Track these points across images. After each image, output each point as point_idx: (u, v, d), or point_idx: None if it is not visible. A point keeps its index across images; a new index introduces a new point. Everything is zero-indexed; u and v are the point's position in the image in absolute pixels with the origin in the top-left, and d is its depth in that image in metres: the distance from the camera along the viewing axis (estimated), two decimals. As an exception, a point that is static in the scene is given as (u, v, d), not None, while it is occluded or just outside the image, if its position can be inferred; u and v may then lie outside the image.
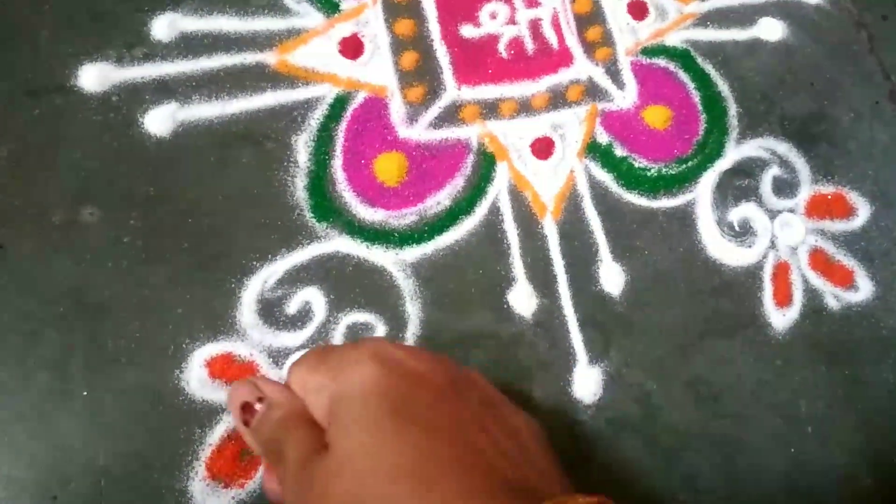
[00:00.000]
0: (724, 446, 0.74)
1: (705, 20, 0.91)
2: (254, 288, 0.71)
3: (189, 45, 0.76)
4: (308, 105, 0.77)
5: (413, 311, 0.73)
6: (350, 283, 0.73)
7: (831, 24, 0.94)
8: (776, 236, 0.83)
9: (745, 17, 0.92)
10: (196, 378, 0.67)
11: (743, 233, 0.83)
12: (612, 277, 0.77)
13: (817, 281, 0.83)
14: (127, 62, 0.74)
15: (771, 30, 0.91)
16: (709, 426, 0.75)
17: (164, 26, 0.76)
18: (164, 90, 0.74)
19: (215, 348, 0.69)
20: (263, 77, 0.77)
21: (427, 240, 0.76)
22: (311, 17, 0.80)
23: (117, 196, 0.71)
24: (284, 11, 0.79)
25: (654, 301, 0.78)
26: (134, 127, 0.73)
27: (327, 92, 0.78)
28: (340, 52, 0.79)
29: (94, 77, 0.73)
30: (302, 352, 0.69)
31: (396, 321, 0.73)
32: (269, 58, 0.78)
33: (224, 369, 0.68)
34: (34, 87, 0.72)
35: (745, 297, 0.80)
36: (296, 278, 0.72)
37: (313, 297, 0.72)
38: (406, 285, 0.74)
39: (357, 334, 0.71)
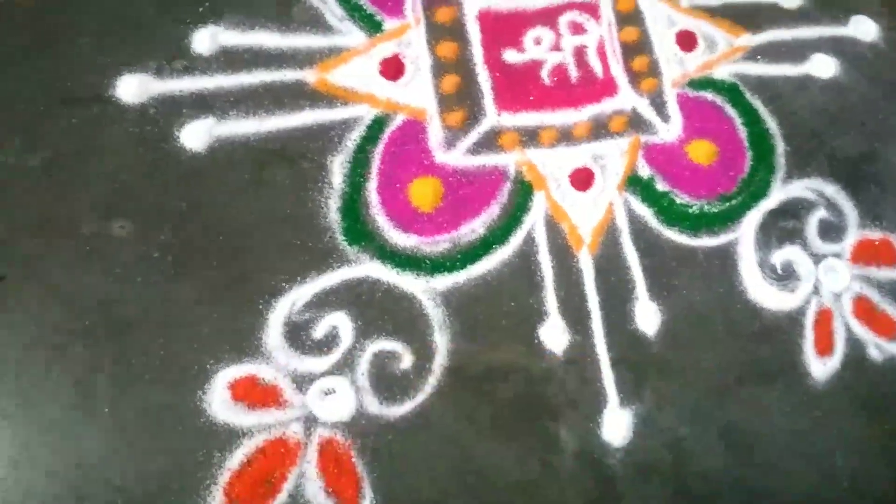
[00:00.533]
0: (756, 498, 0.71)
1: (756, 54, 0.89)
2: (281, 310, 0.70)
3: (229, 59, 0.76)
4: (346, 125, 0.77)
5: (441, 341, 0.72)
6: (379, 310, 0.72)
7: (885, 63, 0.92)
8: (820, 281, 0.81)
9: (797, 52, 0.90)
10: (219, 400, 0.66)
11: (786, 276, 0.80)
12: (647, 316, 0.75)
13: (860, 330, 0.80)
14: (166, 74, 0.74)
15: (823, 66, 0.89)
16: (741, 476, 0.72)
17: (205, 39, 0.76)
18: (202, 104, 0.74)
19: (240, 370, 0.68)
20: (302, 95, 0.77)
21: (459, 268, 0.75)
22: (354, 36, 0.79)
23: (149, 210, 0.71)
24: (327, 29, 0.79)
25: (691, 343, 0.76)
26: (170, 140, 0.73)
27: (366, 113, 0.77)
28: (381, 72, 0.79)
29: (132, 88, 0.73)
30: (327, 378, 0.68)
31: (424, 351, 0.71)
32: (309, 76, 0.77)
33: (248, 392, 0.67)
34: (72, 95, 0.72)
35: (785, 343, 0.78)
36: (324, 302, 0.71)
37: (341, 322, 0.71)
38: (436, 314, 0.72)
39: (383, 362, 0.70)
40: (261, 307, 0.70)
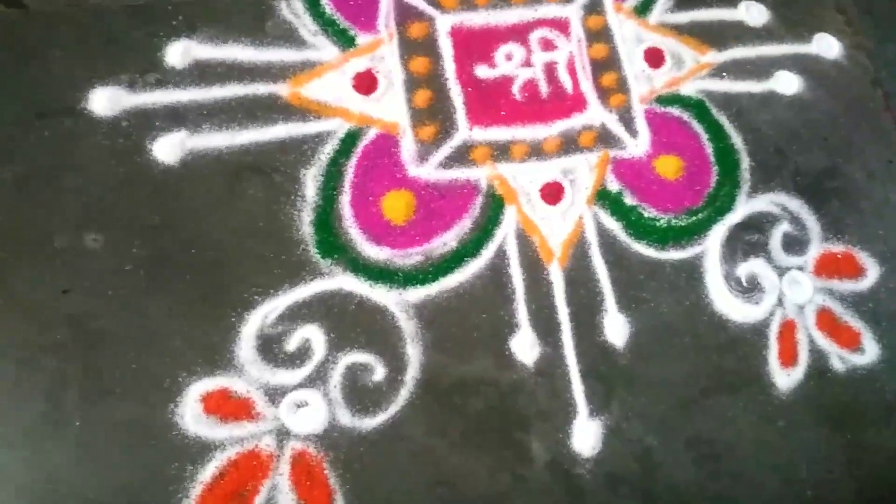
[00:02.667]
0: (722, 508, 0.75)
1: (721, 71, 0.94)
2: (254, 323, 0.73)
3: (202, 73, 0.79)
4: (319, 139, 0.80)
5: (414, 353, 0.75)
6: (352, 322, 0.75)
7: (848, 81, 0.97)
8: (784, 294, 0.85)
9: (761, 69, 0.95)
10: (190, 413, 0.68)
11: (750, 289, 0.85)
12: (616, 328, 0.79)
13: (823, 341, 0.85)
14: (139, 87, 0.77)
15: (787, 83, 0.94)
16: (708, 486, 0.76)
17: (178, 53, 0.79)
18: (175, 117, 0.77)
19: (212, 383, 0.71)
20: (275, 109, 0.80)
21: (431, 281, 0.78)
22: (327, 51, 0.82)
23: (122, 223, 0.73)
24: (300, 43, 0.82)
25: (659, 355, 0.80)
26: (142, 153, 0.75)
27: (339, 127, 0.81)
28: (354, 87, 0.82)
29: (105, 101, 0.76)
30: (300, 390, 0.71)
31: (396, 363, 0.74)
32: (282, 89, 0.80)
33: (220, 405, 0.70)
34: (44, 108, 0.75)
35: (750, 354, 0.83)
36: (297, 315, 0.74)
37: (314, 334, 0.74)
38: (408, 327, 0.75)
39: (356, 375, 0.73)
40: (233, 320, 0.73)
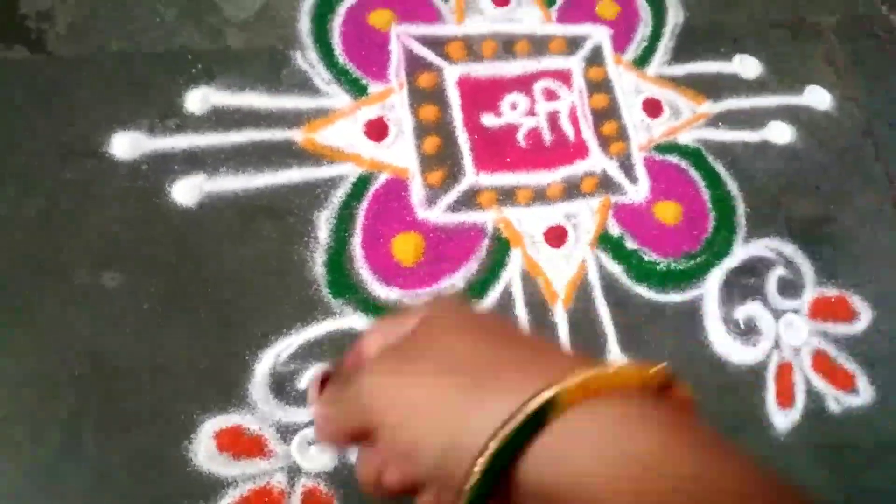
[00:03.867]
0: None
1: (717, 121, 0.99)
2: (267, 361, 0.76)
3: (220, 118, 0.83)
4: (331, 183, 0.84)
5: (423, 392, 0.77)
6: (362, 361, 0.77)
7: (839, 131, 1.03)
8: (780, 336, 0.89)
9: (755, 119, 1.01)
10: (204, 449, 0.71)
11: (748, 331, 0.89)
12: (619, 369, 0.82)
13: (819, 383, 0.88)
14: (159, 132, 0.81)
15: (780, 133, 1.00)
16: (710, 526, 0.78)
17: (197, 99, 0.83)
18: (193, 161, 0.81)
19: (225, 420, 0.74)
20: (290, 154, 0.84)
21: (440, 322, 0.81)
22: (339, 99, 0.87)
23: (140, 262, 0.77)
24: (314, 91, 0.87)
25: (660, 395, 0.83)
26: (161, 195, 0.79)
27: (351, 171, 0.85)
28: (366, 133, 0.87)
29: (126, 145, 0.80)
30: (310, 428, 0.73)
31: (406, 402, 0.76)
32: (297, 135, 0.85)
33: (233, 443, 0.73)
34: (68, 149, 0.79)
35: (748, 396, 0.86)
36: (309, 353, 0.77)
37: (325, 373, 0.76)
38: (417, 366, 0.78)
39: (367, 413, 0.75)
40: (247, 358, 0.76)
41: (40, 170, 0.81)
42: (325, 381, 0.60)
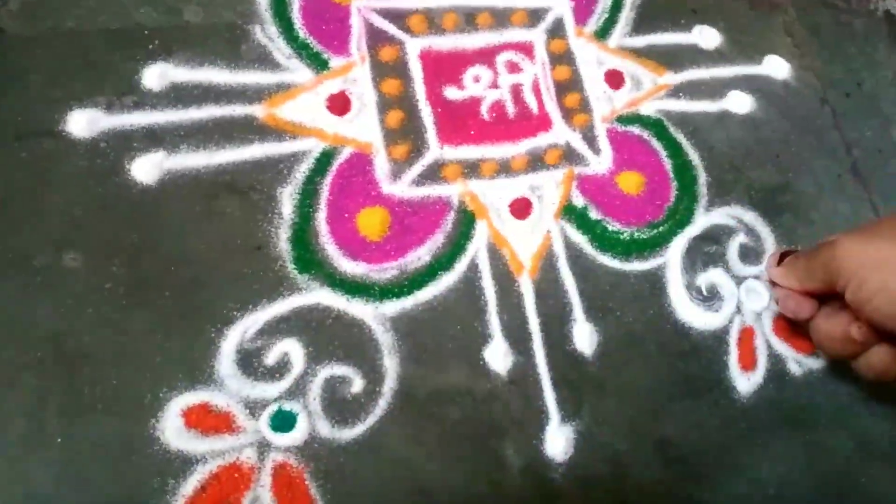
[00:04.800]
0: (689, 507, 0.81)
1: (678, 91, 1.01)
2: (233, 338, 0.76)
3: (179, 95, 0.83)
4: (294, 158, 0.84)
5: (391, 365, 0.79)
6: (329, 336, 0.79)
7: (797, 100, 1.05)
8: (742, 302, 0.91)
9: (715, 90, 1.02)
10: (172, 427, 0.72)
11: (710, 297, 0.91)
12: (585, 337, 0.84)
13: (781, 346, 0.91)
14: (117, 109, 0.81)
15: (740, 103, 1.02)
16: (675, 487, 0.82)
17: (155, 76, 0.83)
18: (153, 138, 0.81)
19: (193, 398, 0.74)
20: (251, 129, 0.84)
21: (407, 294, 0.83)
22: (301, 73, 0.87)
23: (101, 243, 0.76)
24: (274, 66, 0.87)
25: (626, 362, 0.85)
26: (121, 174, 0.79)
27: (314, 146, 0.85)
28: (328, 108, 0.87)
29: (83, 123, 0.79)
30: (278, 402, 0.74)
31: (374, 375, 0.78)
32: (258, 111, 0.84)
33: (201, 419, 0.73)
34: (23, 130, 0.78)
35: (711, 360, 0.88)
36: (276, 329, 0.78)
37: (292, 348, 0.78)
38: (385, 339, 0.80)
39: (335, 387, 0.77)
40: (213, 335, 0.77)
41: (-6, 152, 0.80)
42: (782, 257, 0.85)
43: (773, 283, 0.88)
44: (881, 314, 0.67)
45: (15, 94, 0.83)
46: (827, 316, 0.78)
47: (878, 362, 0.73)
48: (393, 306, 0.87)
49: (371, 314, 0.85)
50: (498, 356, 0.87)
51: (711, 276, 0.97)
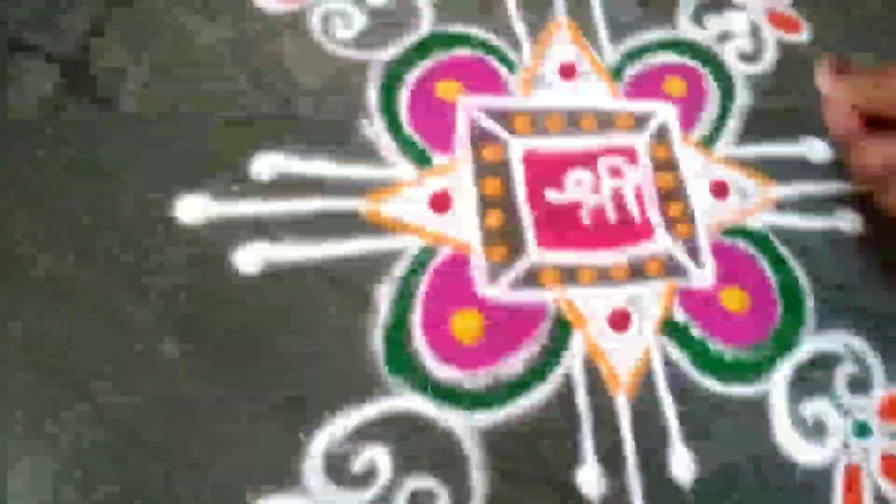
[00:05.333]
0: None
1: (785, 205, 0.98)
2: (322, 441, 0.75)
3: (287, 185, 0.84)
4: (393, 255, 0.84)
5: (479, 482, 0.77)
6: (417, 445, 0.77)
7: (907, 221, 1.01)
8: (849, 437, 0.86)
9: (824, 206, 0.99)
10: (255, 532, 0.69)
11: (816, 430, 0.86)
12: (683, 466, 0.80)
13: (888, 488, 0.85)
14: (225, 197, 0.82)
15: (849, 221, 0.98)
16: None
17: (265, 165, 0.84)
18: (258, 229, 0.81)
19: (278, 501, 0.71)
20: (353, 224, 0.84)
21: (499, 406, 0.80)
22: (404, 169, 0.88)
23: (199, 331, 0.76)
24: (379, 161, 0.87)
25: (724, 495, 0.81)
26: (224, 262, 0.79)
27: (413, 244, 0.85)
28: (429, 205, 0.86)
29: (191, 209, 0.81)
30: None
31: (461, 492, 0.76)
32: (361, 205, 0.85)
33: (285, 526, 0.71)
34: (131, 214, 0.80)
35: (815, 499, 0.82)
36: (364, 434, 0.76)
37: (379, 455, 0.76)
38: (474, 454, 0.77)
39: (420, 501, 0.73)
40: (302, 437, 0.75)
41: (102, 232, 0.81)
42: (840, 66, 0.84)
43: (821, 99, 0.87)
44: None
45: (126, 176, 0.85)
46: (878, 141, 0.75)
47: None
48: (484, 418, 0.84)
49: (461, 425, 0.83)
50: (591, 480, 0.83)
51: (817, 407, 0.92)
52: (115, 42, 0.92)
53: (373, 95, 0.97)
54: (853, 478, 0.91)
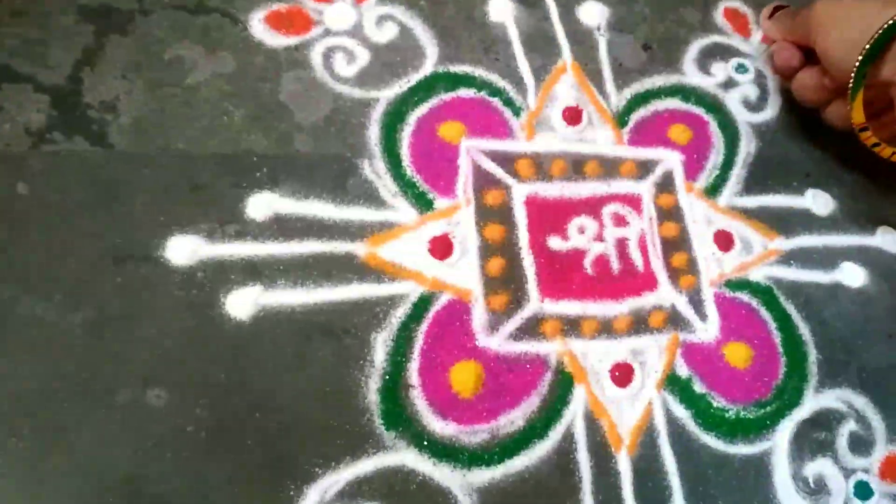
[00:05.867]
0: None
1: (789, 258, 0.97)
2: (313, 498, 0.72)
3: (282, 227, 0.81)
4: (392, 302, 0.81)
5: (476, 542, 0.73)
6: (413, 502, 0.73)
7: (910, 276, 1.00)
8: (850, 497, 0.84)
9: (827, 259, 0.98)
10: None
11: (818, 490, 0.85)
12: (684, 527, 0.78)
13: (890, 552, 0.84)
14: (218, 238, 0.79)
15: (853, 275, 0.98)
16: None
17: (260, 205, 0.81)
18: (251, 272, 0.78)
19: (265, 563, 0.68)
20: (351, 268, 0.81)
21: (497, 463, 0.78)
22: (405, 213, 0.85)
23: (188, 380, 0.73)
24: (379, 203, 0.85)
25: (727, 559, 0.79)
26: (215, 307, 0.76)
27: (412, 290, 0.82)
28: (430, 251, 0.84)
29: (182, 250, 0.78)
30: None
31: (457, 552, 0.73)
32: (359, 249, 0.82)
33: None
34: (121, 253, 0.77)
35: (818, 563, 0.81)
36: (357, 492, 0.73)
37: (373, 513, 0.73)
38: (471, 512, 0.74)
39: (415, 564, 0.71)
40: (292, 493, 0.72)
41: (91, 274, 0.78)
42: (774, 10, 1.03)
43: (768, 42, 1.06)
44: (835, 61, 0.84)
45: (116, 214, 0.82)
46: (808, 70, 0.94)
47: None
48: (481, 476, 0.82)
49: (458, 483, 0.80)
50: (591, 542, 0.80)
51: (819, 467, 0.91)
52: (108, 73, 0.89)
53: (374, 135, 0.95)
54: (855, 541, 0.89)
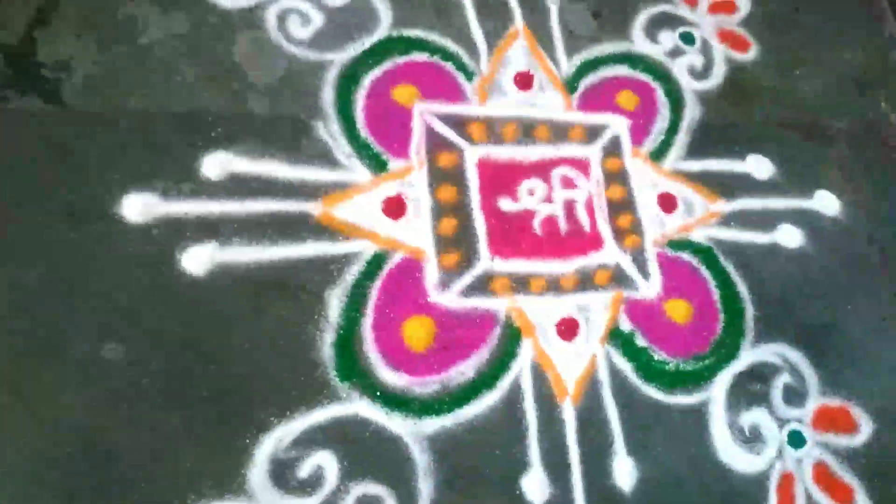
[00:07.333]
0: None
1: (729, 220, 1.01)
2: (268, 446, 0.75)
3: (237, 186, 0.83)
4: (346, 260, 0.84)
5: (425, 488, 0.78)
6: (365, 451, 0.78)
7: (846, 237, 1.07)
8: (783, 446, 0.90)
9: (766, 221, 1.03)
10: (197, 540, 0.69)
11: (753, 438, 0.90)
12: (625, 473, 0.83)
13: (819, 495, 0.90)
14: (173, 196, 0.81)
15: (790, 236, 1.03)
16: None
17: (215, 165, 0.83)
18: (207, 229, 0.80)
19: (221, 508, 0.71)
20: (306, 227, 0.84)
21: (447, 412, 0.82)
22: (359, 173, 0.88)
23: (143, 335, 0.76)
24: (333, 164, 0.87)
25: (664, 501, 0.83)
26: (171, 263, 0.79)
27: (366, 249, 0.85)
28: (383, 210, 0.87)
29: (137, 207, 0.79)
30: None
31: (407, 498, 0.77)
32: (314, 208, 0.85)
33: (227, 533, 0.71)
34: (75, 209, 0.78)
35: (751, 505, 0.87)
36: (312, 440, 0.76)
37: (327, 461, 0.77)
38: (421, 460, 0.78)
39: (369, 508, 0.75)
40: (248, 442, 0.75)
41: (45, 231, 0.80)
42: None
43: None
44: None
45: (70, 172, 0.83)
46: None
47: None
48: (432, 424, 0.85)
49: (409, 431, 0.84)
50: (535, 486, 0.85)
51: (755, 417, 0.96)
52: (61, 32, 0.90)
53: (328, 97, 0.97)
54: (786, 485, 0.95)
